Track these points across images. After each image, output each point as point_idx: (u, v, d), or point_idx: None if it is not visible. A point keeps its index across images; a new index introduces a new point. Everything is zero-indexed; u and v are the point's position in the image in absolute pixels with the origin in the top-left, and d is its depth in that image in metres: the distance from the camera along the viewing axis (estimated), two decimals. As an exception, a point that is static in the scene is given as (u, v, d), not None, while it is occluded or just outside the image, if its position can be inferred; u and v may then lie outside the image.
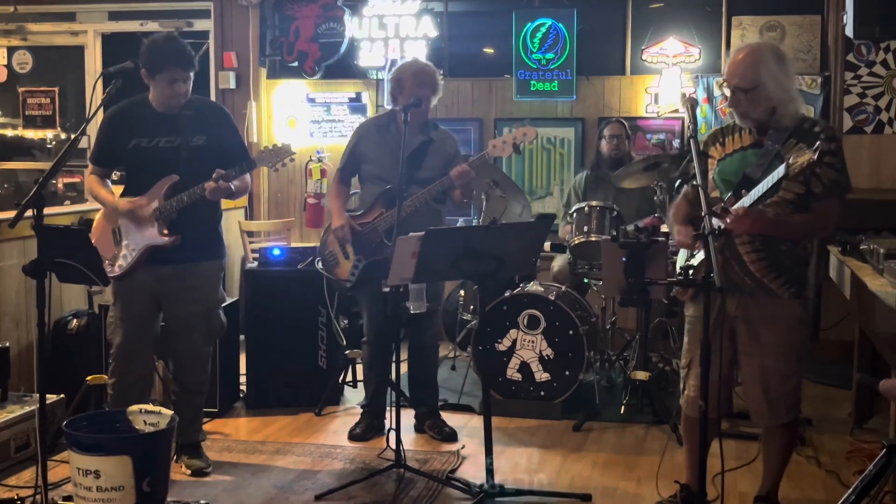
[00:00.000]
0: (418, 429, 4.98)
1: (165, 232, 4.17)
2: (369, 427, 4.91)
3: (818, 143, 3.09)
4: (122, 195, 4.28)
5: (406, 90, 4.65)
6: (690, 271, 3.46)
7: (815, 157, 3.05)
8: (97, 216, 4.40)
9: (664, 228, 5.12)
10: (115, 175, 4.55)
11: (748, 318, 3.54)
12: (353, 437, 4.87)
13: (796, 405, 3.63)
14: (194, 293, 4.27)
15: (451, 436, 4.85)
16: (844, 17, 3.82)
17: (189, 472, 4.31)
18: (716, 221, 3.32)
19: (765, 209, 3.38)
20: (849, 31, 3.84)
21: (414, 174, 4.67)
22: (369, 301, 4.81)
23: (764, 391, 3.54)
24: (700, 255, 3.51)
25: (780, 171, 3.18)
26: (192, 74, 4.17)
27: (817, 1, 6.72)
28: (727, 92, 3.51)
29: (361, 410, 5.05)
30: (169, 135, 4.18)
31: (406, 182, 4.56)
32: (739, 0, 6.85)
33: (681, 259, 3.74)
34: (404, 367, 5.06)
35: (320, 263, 4.90)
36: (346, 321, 5.60)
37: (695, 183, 3.33)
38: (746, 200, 3.33)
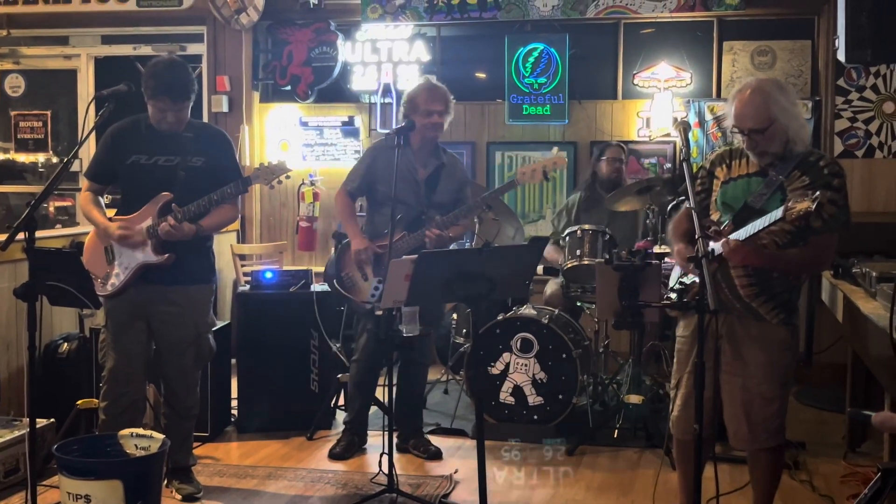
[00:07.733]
0: (402, 448, 4.93)
1: (159, 250, 4.16)
2: (350, 445, 4.94)
3: (817, 193, 3.07)
4: (117, 213, 4.27)
5: (420, 107, 4.70)
6: (681, 292, 3.45)
7: (814, 206, 3.04)
8: (90, 234, 4.38)
9: (657, 250, 5.13)
10: (118, 197, 4.54)
11: (733, 337, 3.52)
12: (332, 455, 4.89)
13: (779, 431, 3.58)
14: (184, 317, 4.25)
15: (437, 454, 4.87)
16: (836, 41, 3.83)
17: (180, 497, 4.27)
18: (712, 244, 3.31)
19: (760, 236, 3.36)
20: (840, 56, 3.84)
21: (430, 198, 4.74)
22: (373, 322, 4.79)
23: (745, 413, 3.51)
24: (692, 276, 3.51)
25: (778, 213, 3.17)
26: (186, 104, 4.15)
27: (808, 26, 6.78)
28: (739, 137, 3.47)
29: (343, 428, 5.06)
30: (168, 154, 4.18)
31: (425, 206, 4.68)
32: (731, 25, 6.90)
33: (673, 278, 3.74)
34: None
35: (336, 284, 4.85)
36: (337, 345, 5.58)
37: (688, 206, 3.33)
38: (742, 234, 3.32)
